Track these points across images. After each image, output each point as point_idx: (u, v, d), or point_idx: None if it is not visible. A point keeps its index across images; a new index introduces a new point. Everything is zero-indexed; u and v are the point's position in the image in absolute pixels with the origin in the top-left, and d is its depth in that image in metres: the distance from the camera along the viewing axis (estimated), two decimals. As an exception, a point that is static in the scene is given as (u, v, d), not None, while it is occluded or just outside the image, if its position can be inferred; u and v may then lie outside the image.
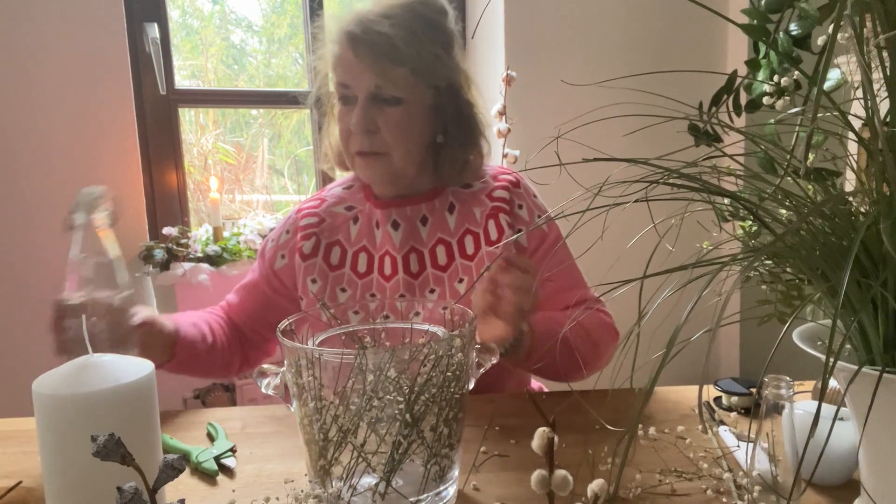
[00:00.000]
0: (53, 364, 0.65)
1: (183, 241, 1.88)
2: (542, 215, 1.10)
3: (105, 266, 0.80)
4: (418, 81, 1.03)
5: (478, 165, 1.12)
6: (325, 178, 2.15)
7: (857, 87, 0.51)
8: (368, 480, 0.64)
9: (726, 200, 0.58)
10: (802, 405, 0.71)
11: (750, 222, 0.64)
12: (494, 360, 0.73)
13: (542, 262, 1.08)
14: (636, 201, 0.50)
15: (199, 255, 1.89)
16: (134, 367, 0.65)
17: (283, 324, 0.71)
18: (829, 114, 0.51)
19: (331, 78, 1.09)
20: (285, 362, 0.68)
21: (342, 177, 1.23)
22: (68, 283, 0.80)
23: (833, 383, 0.79)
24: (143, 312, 0.93)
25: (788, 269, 0.59)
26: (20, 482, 0.75)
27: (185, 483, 0.77)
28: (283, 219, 1.19)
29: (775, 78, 0.62)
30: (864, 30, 0.48)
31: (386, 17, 1.01)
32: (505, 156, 1.95)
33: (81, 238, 0.80)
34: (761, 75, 0.65)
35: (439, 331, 0.75)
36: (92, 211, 0.81)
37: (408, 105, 1.03)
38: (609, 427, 0.84)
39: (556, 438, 0.42)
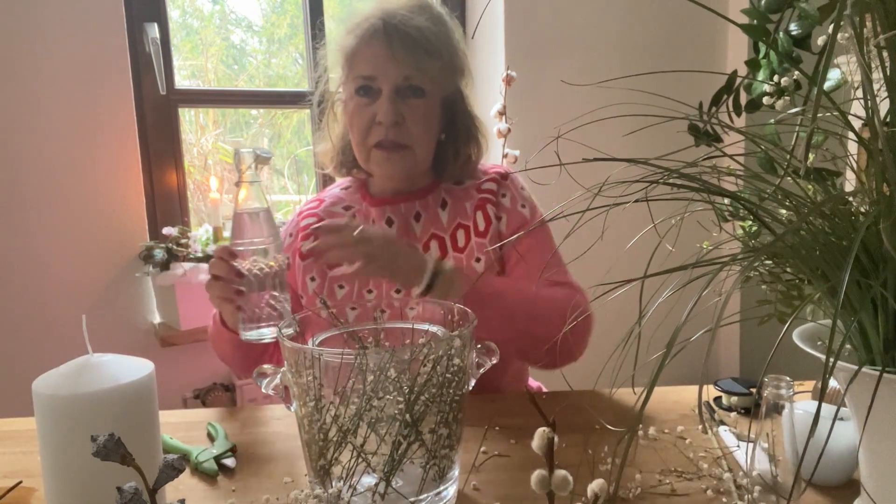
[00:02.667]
0: (53, 364, 0.65)
1: (183, 241, 1.88)
2: (525, 204, 1.11)
3: (266, 215, 0.88)
4: (445, 76, 1.06)
5: (476, 162, 1.14)
6: (325, 179, 2.15)
7: (857, 87, 0.51)
8: (368, 480, 0.64)
9: (726, 200, 0.58)
10: (802, 405, 0.71)
11: (750, 222, 0.64)
12: (495, 361, 0.73)
13: (518, 248, 1.08)
14: (636, 201, 0.50)
15: (199, 255, 1.89)
16: (134, 367, 0.65)
17: (284, 323, 0.71)
18: (829, 114, 0.51)
19: (337, 73, 1.09)
20: (285, 362, 0.68)
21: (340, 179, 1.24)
22: (234, 231, 0.88)
23: (833, 383, 0.79)
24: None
25: (788, 269, 0.59)
26: (20, 482, 0.75)
27: (185, 483, 0.76)
28: (286, 223, 1.21)
29: (775, 78, 0.62)
30: (864, 30, 0.48)
31: (411, 11, 1.02)
32: (505, 156, 1.95)
33: (248, 191, 0.88)
34: (761, 75, 0.65)
35: (439, 331, 0.75)
36: (260, 168, 0.86)
37: (429, 98, 1.05)
38: (609, 427, 0.84)
39: (556, 438, 0.42)
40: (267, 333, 0.88)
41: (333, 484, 0.64)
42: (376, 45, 1.01)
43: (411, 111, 1.04)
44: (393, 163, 1.06)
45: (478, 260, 1.07)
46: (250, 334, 0.88)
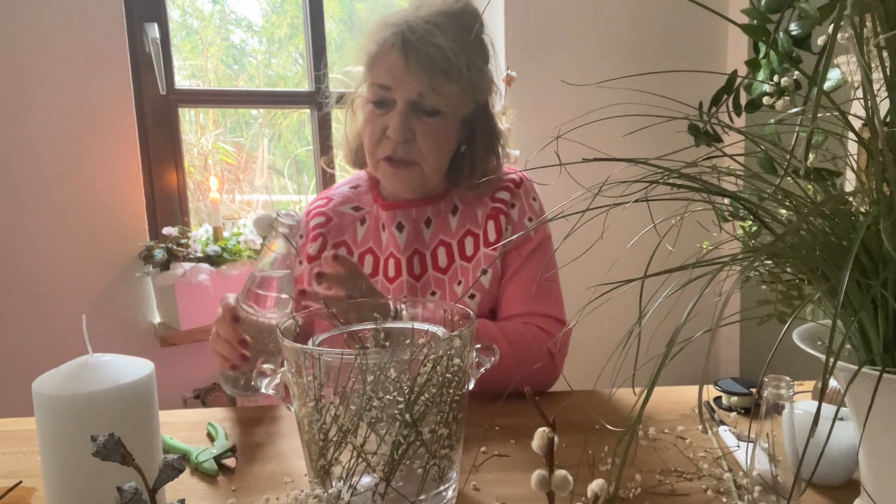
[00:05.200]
0: (53, 364, 0.65)
1: (183, 241, 1.88)
2: (531, 217, 1.09)
3: (286, 279, 0.88)
4: (463, 96, 1.03)
5: (494, 172, 1.12)
6: (325, 178, 2.15)
7: (857, 87, 0.51)
8: (368, 480, 0.64)
9: (726, 200, 0.58)
10: (802, 405, 0.71)
11: (750, 222, 0.64)
12: (495, 361, 0.73)
13: (515, 262, 1.07)
14: (636, 201, 0.50)
15: (199, 255, 1.89)
16: (134, 367, 0.65)
17: (285, 322, 0.71)
18: (829, 114, 0.51)
19: (360, 74, 1.07)
20: (285, 362, 0.68)
21: (345, 175, 1.23)
22: (257, 299, 0.88)
23: (833, 383, 0.79)
24: None
25: (788, 269, 0.59)
26: (20, 482, 0.75)
27: (185, 483, 0.76)
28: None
29: (775, 78, 0.62)
30: (864, 30, 0.48)
31: (437, 26, 0.98)
32: (505, 156, 1.95)
33: (268, 256, 0.87)
34: (761, 75, 0.65)
35: (439, 331, 0.75)
36: (280, 232, 0.88)
37: (445, 116, 1.02)
38: (609, 427, 0.84)
39: (556, 438, 0.42)
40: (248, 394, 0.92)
41: (333, 484, 0.64)
42: (394, 57, 0.98)
43: (424, 128, 1.01)
44: (399, 178, 1.04)
45: (484, 272, 1.06)
46: (231, 390, 0.92)
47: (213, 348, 0.91)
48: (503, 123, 1.15)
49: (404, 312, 0.80)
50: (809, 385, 0.91)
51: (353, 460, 0.64)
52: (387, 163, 1.03)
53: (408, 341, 0.76)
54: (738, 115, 0.67)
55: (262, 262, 0.88)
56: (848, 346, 0.56)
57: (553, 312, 1.05)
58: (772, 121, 0.62)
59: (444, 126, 1.03)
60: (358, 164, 1.15)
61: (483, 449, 0.82)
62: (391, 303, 0.81)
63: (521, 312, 1.04)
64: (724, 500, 0.70)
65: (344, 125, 1.15)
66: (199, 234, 1.95)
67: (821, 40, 0.59)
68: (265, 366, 0.71)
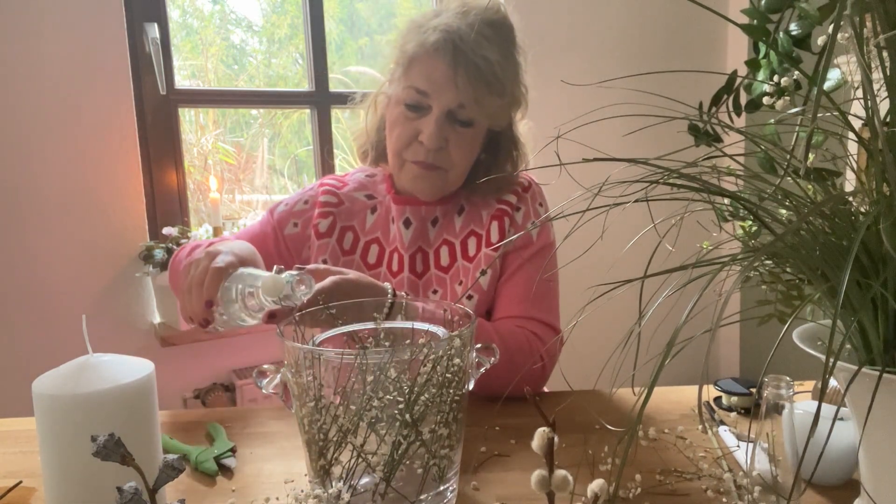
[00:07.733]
0: (53, 364, 0.65)
1: (183, 241, 1.88)
2: (535, 221, 1.09)
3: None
4: (503, 110, 1.03)
5: (507, 175, 1.11)
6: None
7: (857, 87, 0.51)
8: (368, 480, 0.64)
9: (726, 200, 0.58)
10: (802, 405, 0.71)
11: (750, 222, 0.64)
12: (494, 361, 0.73)
13: (514, 263, 1.07)
14: (636, 201, 0.50)
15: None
16: (134, 367, 0.65)
17: (284, 323, 0.71)
18: (829, 114, 0.51)
19: (389, 67, 1.05)
20: (285, 362, 0.68)
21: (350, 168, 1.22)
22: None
23: (833, 383, 0.79)
24: None
25: (788, 269, 0.59)
26: (20, 482, 0.75)
27: (185, 483, 0.76)
28: (301, 189, 1.18)
29: (775, 78, 0.62)
30: (864, 30, 0.48)
31: (485, 38, 0.97)
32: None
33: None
34: (761, 75, 0.65)
35: (439, 331, 0.75)
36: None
37: (478, 127, 1.02)
38: (609, 427, 0.84)
39: (556, 438, 0.42)
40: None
41: (333, 484, 0.64)
42: (440, 64, 0.96)
43: (456, 137, 1.01)
44: (426, 180, 1.03)
45: (483, 273, 1.06)
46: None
47: (181, 293, 0.87)
48: (521, 132, 1.14)
49: (404, 303, 0.79)
50: (809, 385, 0.91)
51: (353, 460, 0.64)
52: (416, 165, 1.03)
53: (408, 341, 0.76)
54: (738, 115, 0.67)
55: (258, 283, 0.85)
56: (848, 346, 0.56)
57: (548, 319, 1.05)
58: (772, 121, 0.62)
59: (476, 136, 1.03)
60: (375, 161, 1.14)
61: (483, 449, 0.82)
62: (389, 287, 0.80)
63: (517, 315, 1.04)
64: (724, 500, 0.70)
65: (365, 121, 1.14)
66: (199, 235, 1.95)
67: (821, 40, 0.59)
68: (265, 366, 0.71)
